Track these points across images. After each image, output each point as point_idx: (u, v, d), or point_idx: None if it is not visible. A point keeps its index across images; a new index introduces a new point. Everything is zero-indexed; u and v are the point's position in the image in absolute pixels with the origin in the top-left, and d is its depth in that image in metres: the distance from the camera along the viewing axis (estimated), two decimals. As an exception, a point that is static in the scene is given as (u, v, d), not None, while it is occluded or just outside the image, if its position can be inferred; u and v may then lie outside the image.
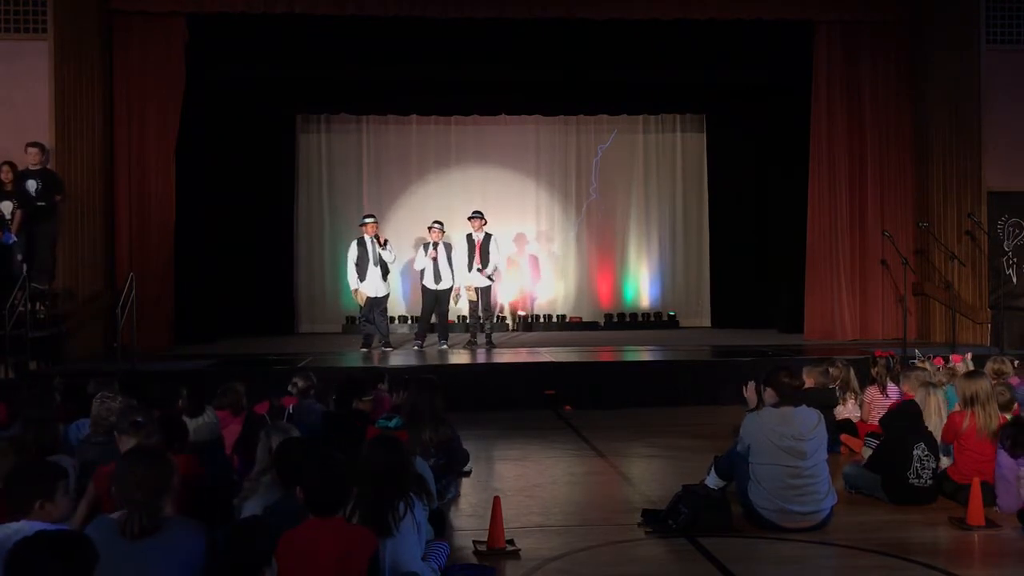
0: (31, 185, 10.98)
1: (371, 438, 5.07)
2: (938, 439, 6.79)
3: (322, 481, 4.04)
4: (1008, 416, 6.58)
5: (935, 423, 6.92)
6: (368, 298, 12.44)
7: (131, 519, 3.71)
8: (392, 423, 6.90)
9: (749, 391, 6.80)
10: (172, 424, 5.56)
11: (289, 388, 7.76)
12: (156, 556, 3.66)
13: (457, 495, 6.89)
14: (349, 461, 5.07)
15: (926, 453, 6.47)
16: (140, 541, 3.68)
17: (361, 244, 12.50)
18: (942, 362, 8.91)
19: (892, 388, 8.26)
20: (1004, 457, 6.20)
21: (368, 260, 12.40)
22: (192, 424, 5.97)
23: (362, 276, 12.41)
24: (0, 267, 10.56)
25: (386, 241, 12.70)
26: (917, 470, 6.44)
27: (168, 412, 6.17)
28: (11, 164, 10.99)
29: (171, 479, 3.87)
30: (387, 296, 12.78)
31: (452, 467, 7.11)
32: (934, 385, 7.32)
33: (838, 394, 8.46)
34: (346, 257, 12.78)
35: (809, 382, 8.04)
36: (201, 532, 3.77)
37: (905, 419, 6.71)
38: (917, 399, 7.09)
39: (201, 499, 4.89)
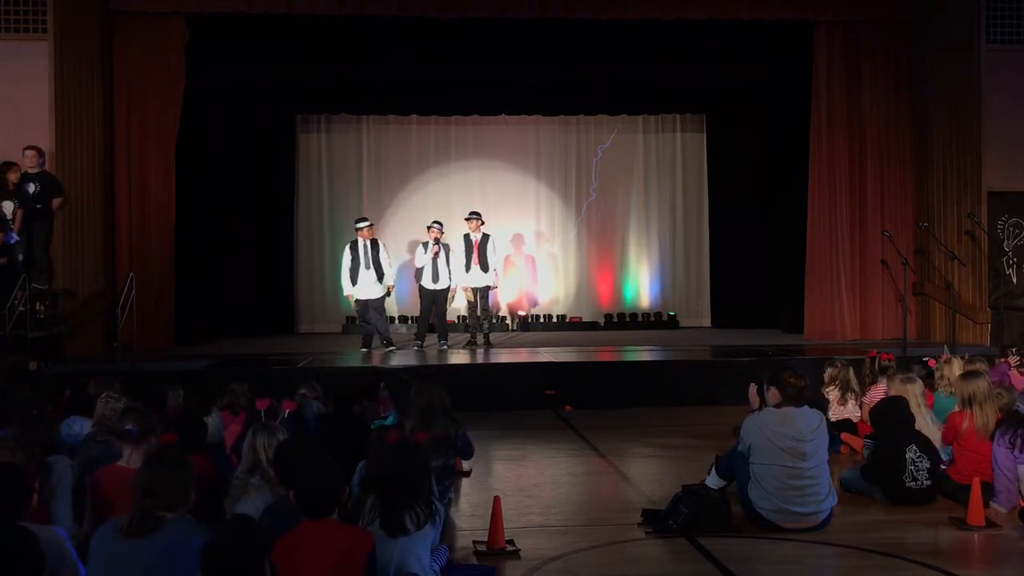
0: (30, 188, 11.00)
1: (393, 441, 5.10)
2: (926, 433, 6.77)
3: (312, 484, 4.06)
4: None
5: (918, 416, 6.93)
6: (360, 300, 12.40)
7: (131, 520, 3.77)
8: (387, 421, 6.89)
9: (751, 393, 6.81)
10: (190, 424, 5.55)
11: (296, 397, 7.74)
12: (153, 554, 3.71)
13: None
14: (357, 463, 5.10)
15: (918, 455, 6.41)
16: (139, 540, 3.73)
17: (353, 248, 12.47)
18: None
19: (878, 387, 8.25)
20: (1002, 455, 6.12)
21: (360, 264, 12.36)
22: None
23: (355, 280, 12.37)
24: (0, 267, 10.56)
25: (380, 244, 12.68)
26: (912, 472, 6.40)
27: (187, 413, 6.18)
28: (16, 165, 11.01)
29: (188, 487, 3.93)
30: (382, 297, 12.57)
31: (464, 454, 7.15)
32: (911, 379, 7.32)
33: (838, 394, 8.46)
34: (341, 261, 12.74)
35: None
36: (200, 531, 3.80)
37: (891, 419, 6.65)
38: (897, 392, 7.08)
39: (208, 499, 4.90)
